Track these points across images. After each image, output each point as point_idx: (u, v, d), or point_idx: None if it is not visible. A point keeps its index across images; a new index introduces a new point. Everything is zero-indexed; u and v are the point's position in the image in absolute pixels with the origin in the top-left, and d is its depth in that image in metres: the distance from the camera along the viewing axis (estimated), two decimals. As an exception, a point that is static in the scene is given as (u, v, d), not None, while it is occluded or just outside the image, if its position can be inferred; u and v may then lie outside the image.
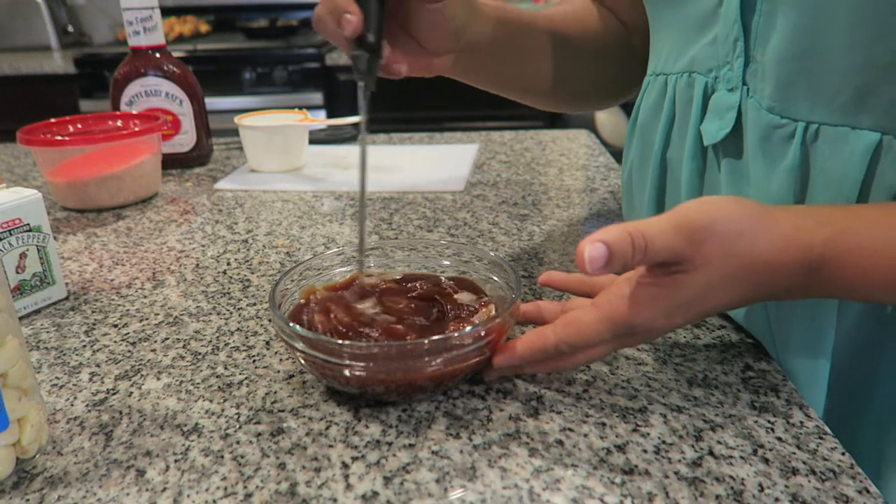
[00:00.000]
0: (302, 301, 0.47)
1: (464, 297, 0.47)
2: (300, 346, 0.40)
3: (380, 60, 0.45)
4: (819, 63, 0.40)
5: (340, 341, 0.41)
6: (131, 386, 0.45)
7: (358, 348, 0.39)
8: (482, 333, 0.40)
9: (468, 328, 0.40)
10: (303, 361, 0.41)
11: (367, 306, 0.47)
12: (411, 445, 0.38)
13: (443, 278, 0.49)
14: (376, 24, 0.45)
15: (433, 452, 0.37)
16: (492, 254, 0.49)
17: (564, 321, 0.39)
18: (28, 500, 0.35)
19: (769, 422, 0.39)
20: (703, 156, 0.50)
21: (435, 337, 0.39)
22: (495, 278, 0.48)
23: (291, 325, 0.40)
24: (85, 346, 0.50)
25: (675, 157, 0.53)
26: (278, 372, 0.45)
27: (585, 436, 0.38)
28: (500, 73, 0.61)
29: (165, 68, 0.94)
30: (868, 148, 0.40)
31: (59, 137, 0.81)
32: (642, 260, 0.36)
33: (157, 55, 0.94)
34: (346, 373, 0.39)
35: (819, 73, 0.41)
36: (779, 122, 0.43)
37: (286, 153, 0.94)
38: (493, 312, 0.44)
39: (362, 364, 0.39)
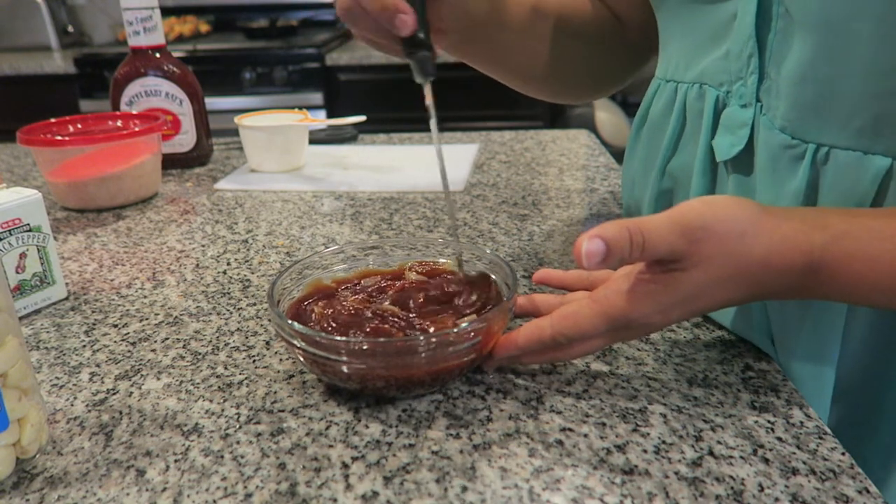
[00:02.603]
0: (301, 297, 0.47)
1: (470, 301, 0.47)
2: (298, 343, 0.40)
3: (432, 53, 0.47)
4: (836, 87, 0.40)
5: (338, 337, 0.41)
6: (131, 386, 0.45)
7: (355, 344, 0.39)
8: (478, 329, 0.40)
9: (464, 324, 0.40)
10: (301, 359, 0.42)
11: (368, 303, 0.47)
12: (411, 445, 0.38)
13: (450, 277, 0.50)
14: (424, 20, 0.45)
15: (433, 452, 0.37)
16: (488, 251, 0.49)
17: (561, 314, 0.40)
18: (28, 500, 0.35)
19: (769, 422, 0.39)
20: (714, 170, 0.49)
21: (430, 332, 0.39)
22: (494, 277, 0.48)
23: (290, 322, 0.41)
24: (85, 346, 0.50)
25: (683, 165, 0.52)
26: (278, 372, 0.45)
27: (585, 436, 0.38)
28: (495, 52, 0.61)
29: (165, 68, 0.94)
30: (878, 173, 0.39)
31: (59, 137, 0.81)
32: (640, 256, 0.36)
33: (157, 55, 0.94)
34: (345, 369, 0.40)
35: (835, 97, 0.40)
36: (790, 142, 0.43)
37: (286, 153, 0.94)
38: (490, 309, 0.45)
39: (359, 360, 0.39)
